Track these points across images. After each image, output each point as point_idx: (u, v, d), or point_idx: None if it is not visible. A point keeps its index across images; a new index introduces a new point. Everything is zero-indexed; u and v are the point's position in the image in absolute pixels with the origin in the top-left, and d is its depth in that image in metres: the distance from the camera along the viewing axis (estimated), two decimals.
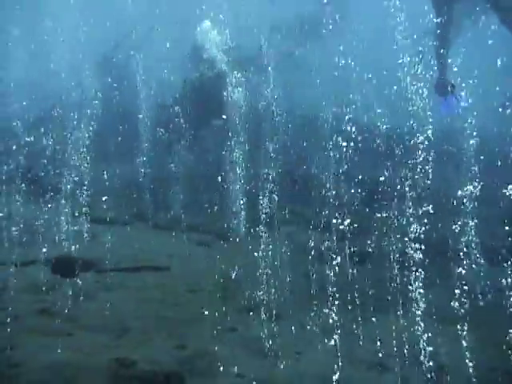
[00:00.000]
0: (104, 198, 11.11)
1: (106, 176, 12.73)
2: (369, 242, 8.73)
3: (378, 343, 5.47)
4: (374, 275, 7.10)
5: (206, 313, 5.95)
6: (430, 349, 5.06)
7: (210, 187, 11.73)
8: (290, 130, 12.89)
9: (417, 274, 6.05)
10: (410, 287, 6.05)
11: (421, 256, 6.05)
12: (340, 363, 4.97)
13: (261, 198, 9.89)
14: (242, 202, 10.91)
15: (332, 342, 5.38)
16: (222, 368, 4.72)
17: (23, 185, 9.62)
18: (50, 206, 9.41)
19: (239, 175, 11.25)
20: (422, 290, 5.77)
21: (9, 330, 4.66)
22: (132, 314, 5.73)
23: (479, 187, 7.29)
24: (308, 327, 5.95)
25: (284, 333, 5.70)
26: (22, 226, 8.01)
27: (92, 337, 4.94)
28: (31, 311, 5.34)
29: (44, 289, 5.96)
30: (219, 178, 11.43)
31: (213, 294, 6.79)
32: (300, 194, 11.52)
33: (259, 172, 10.63)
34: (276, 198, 10.15)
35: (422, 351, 5.11)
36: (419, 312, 5.65)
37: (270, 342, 5.38)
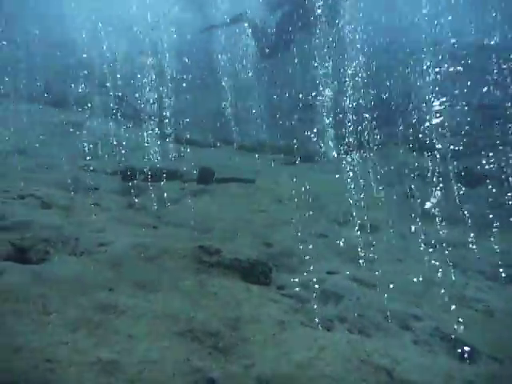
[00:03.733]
0: (189, 123, 11.09)
1: (193, 104, 12.75)
2: (482, 163, 7.51)
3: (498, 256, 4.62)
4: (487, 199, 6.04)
5: (293, 220, 5.53)
6: None
7: (296, 110, 11.09)
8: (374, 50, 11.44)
9: None
10: None
11: None
12: (452, 272, 4.26)
13: (351, 118, 9.02)
14: (329, 123, 10.05)
15: (440, 252, 4.66)
16: (311, 266, 4.29)
17: (121, 111, 9.93)
18: (143, 129, 9.54)
19: (325, 97, 10.32)
20: None
21: (99, 219, 4.65)
22: (216, 216, 5.50)
23: None
24: (409, 238, 5.24)
25: (381, 243, 5.07)
26: (121, 144, 8.16)
27: (176, 230, 4.80)
28: (119, 206, 5.35)
29: (132, 191, 5.95)
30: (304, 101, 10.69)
31: (301, 205, 6.32)
32: (393, 115, 10.30)
33: (347, 94, 9.64)
34: (367, 120, 9.22)
35: None
36: None
37: (366, 250, 4.79)
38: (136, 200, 5.63)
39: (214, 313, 3.11)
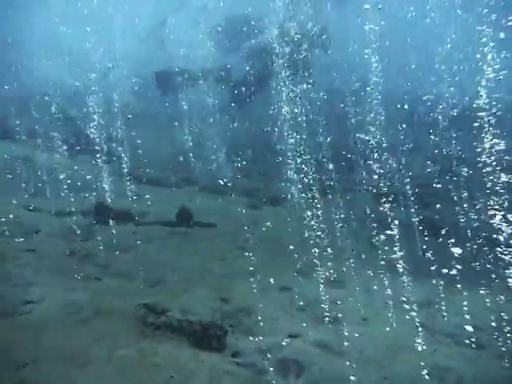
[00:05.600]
0: (150, 161, 10.70)
1: (157, 143, 12.39)
2: (441, 214, 7.50)
3: (467, 317, 4.38)
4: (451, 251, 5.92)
5: (255, 270, 5.14)
6: None
7: (262, 154, 10.96)
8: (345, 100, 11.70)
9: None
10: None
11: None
12: (420, 334, 3.96)
13: (314, 165, 8.96)
14: (295, 168, 9.93)
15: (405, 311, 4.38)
16: (271, 327, 3.87)
17: (75, 145, 9.42)
18: (98, 166, 9.04)
19: (291, 142, 10.26)
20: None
21: (31, 269, 4.08)
22: (171, 265, 5.02)
23: None
24: (376, 294, 4.94)
25: (346, 298, 4.74)
26: (72, 181, 7.61)
27: (122, 283, 4.28)
28: (59, 253, 4.77)
29: (78, 234, 5.40)
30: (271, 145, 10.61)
31: (264, 253, 5.96)
32: (356, 163, 10.31)
33: (313, 140, 9.66)
34: (330, 167, 9.19)
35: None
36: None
37: (330, 307, 4.43)
38: (80, 245, 5.07)
39: None
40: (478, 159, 5.40)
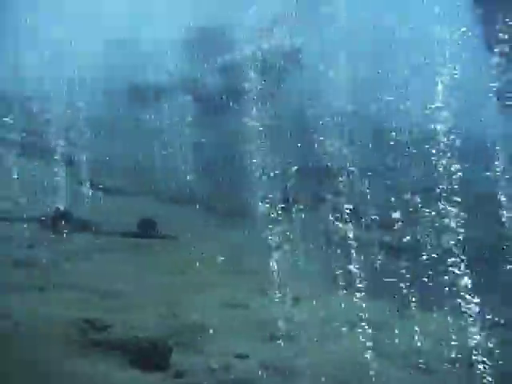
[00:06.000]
0: (113, 169, 10.43)
1: (122, 151, 12.12)
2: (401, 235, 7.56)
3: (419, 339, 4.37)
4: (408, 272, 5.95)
5: (214, 285, 5.02)
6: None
7: (226, 167, 10.87)
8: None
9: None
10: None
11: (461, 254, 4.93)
12: (374, 357, 3.91)
13: (279, 181, 8.96)
14: (260, 181, 9.86)
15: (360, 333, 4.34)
16: (221, 345, 3.74)
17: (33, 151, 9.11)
18: (56, 172, 8.74)
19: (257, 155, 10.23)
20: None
21: None
22: (125, 277, 4.84)
23: None
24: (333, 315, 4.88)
25: (302, 317, 4.66)
26: (26, 186, 7.33)
27: (68, 295, 4.07)
28: (3, 262, 4.53)
29: (28, 242, 5.16)
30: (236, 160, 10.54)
31: (224, 268, 5.84)
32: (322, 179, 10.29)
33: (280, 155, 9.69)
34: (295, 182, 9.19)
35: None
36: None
37: (285, 325, 4.34)
38: (28, 254, 4.84)
39: None
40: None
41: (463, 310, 4.36)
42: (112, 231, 6.33)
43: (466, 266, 4.77)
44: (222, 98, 10.48)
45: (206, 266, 5.78)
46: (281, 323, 4.35)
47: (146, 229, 6.63)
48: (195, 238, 6.50)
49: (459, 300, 4.42)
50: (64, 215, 5.98)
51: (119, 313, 3.67)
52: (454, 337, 4.19)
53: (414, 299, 4.94)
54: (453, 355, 4.01)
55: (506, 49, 7.54)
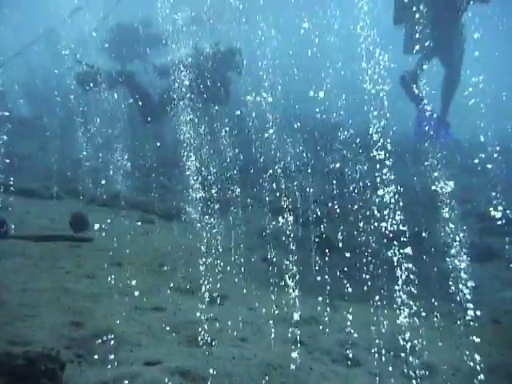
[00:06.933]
0: (30, 170, 9.60)
1: (42, 152, 11.24)
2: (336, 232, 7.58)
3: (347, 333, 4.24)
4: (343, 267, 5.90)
5: (128, 288, 4.55)
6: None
7: (162, 169, 10.42)
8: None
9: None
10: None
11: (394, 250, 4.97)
12: (297, 353, 3.68)
13: (213, 180, 8.72)
14: (194, 182, 9.53)
15: (288, 330, 4.11)
16: (129, 354, 3.30)
17: None
18: None
19: (192, 158, 9.92)
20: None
21: None
22: (22, 285, 4.21)
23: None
24: (258, 311, 4.62)
25: (226, 318, 4.34)
26: None
27: None
28: None
29: None
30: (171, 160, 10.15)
31: (143, 270, 5.37)
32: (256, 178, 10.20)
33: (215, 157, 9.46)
34: (231, 181, 9.02)
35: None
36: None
37: (206, 326, 4.00)
38: None
39: None
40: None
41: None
42: (16, 235, 5.61)
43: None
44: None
45: (122, 269, 5.28)
46: (201, 325, 4.00)
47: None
48: (115, 241, 5.95)
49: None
50: None
51: (1, 326, 3.10)
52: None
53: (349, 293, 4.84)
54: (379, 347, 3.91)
55: None
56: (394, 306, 4.44)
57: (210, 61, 9.17)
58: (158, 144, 11.27)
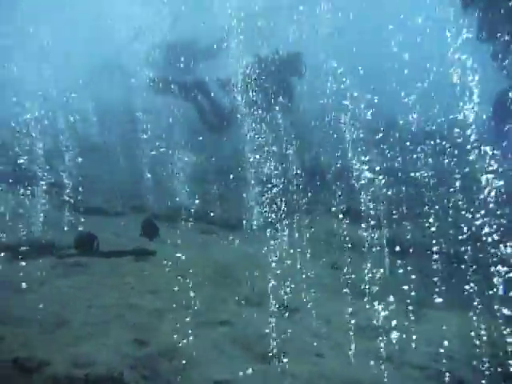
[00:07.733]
0: (98, 190, 9.92)
1: (108, 172, 11.65)
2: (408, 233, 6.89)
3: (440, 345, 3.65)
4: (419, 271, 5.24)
5: (192, 302, 4.33)
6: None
7: (222, 180, 10.33)
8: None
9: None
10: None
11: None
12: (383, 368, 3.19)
13: (280, 185, 8.39)
14: (256, 190, 9.29)
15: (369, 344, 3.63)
16: (197, 372, 3.03)
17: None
18: (36, 197, 8.21)
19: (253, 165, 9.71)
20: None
21: None
22: (85, 303, 4.13)
23: None
24: (333, 323, 4.17)
25: (298, 330, 3.95)
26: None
27: (9, 330, 3.36)
28: None
29: None
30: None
31: (207, 282, 5.14)
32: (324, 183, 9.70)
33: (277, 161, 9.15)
34: (296, 186, 8.64)
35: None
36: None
37: (278, 341, 3.63)
38: None
39: None
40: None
41: None
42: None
43: None
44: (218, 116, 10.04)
45: (186, 283, 5.08)
46: (272, 339, 3.65)
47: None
48: (178, 254, 5.82)
49: None
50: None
51: (63, 347, 2.97)
52: None
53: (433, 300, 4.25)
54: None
55: None
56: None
57: (272, 67, 9.00)
58: (221, 154, 11.24)
